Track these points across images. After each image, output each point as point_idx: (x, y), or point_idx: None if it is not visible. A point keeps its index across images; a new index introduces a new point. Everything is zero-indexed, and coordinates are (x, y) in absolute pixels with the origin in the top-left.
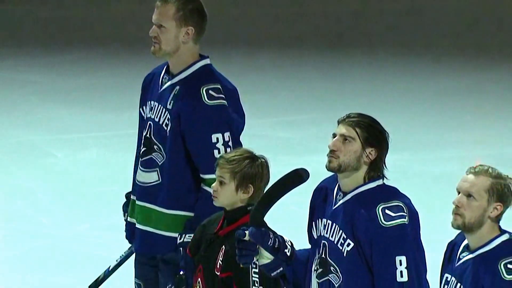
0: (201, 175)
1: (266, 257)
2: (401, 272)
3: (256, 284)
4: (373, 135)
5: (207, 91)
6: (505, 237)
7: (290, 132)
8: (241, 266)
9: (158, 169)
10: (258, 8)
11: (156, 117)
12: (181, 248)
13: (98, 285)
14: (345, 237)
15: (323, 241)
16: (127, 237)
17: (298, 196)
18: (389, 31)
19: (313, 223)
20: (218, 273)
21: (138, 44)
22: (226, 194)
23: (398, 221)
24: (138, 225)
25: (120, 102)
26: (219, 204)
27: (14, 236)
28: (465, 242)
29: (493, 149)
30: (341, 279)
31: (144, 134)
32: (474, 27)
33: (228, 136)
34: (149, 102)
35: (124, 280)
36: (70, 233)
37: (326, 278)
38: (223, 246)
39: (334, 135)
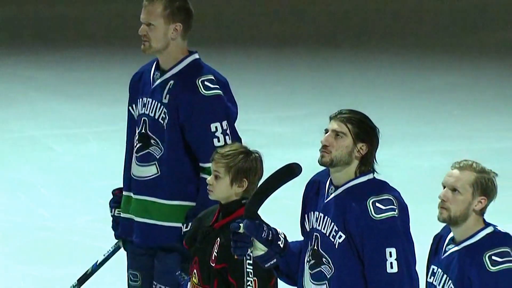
0: (201, 164)
1: (260, 249)
2: (391, 263)
3: (250, 275)
4: (364, 130)
5: (202, 82)
6: (489, 229)
7: (283, 127)
8: (235, 257)
9: (156, 162)
10: (253, 7)
11: (151, 112)
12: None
13: (86, 279)
14: (336, 229)
15: (315, 233)
16: (115, 233)
17: (291, 189)
18: (378, 30)
19: (306, 216)
20: (213, 265)
21: (137, 41)
22: (221, 188)
23: (388, 214)
24: (137, 219)
25: (120, 97)
26: (214, 197)
27: (16, 229)
28: (451, 234)
29: (479, 143)
30: (333, 270)
31: (138, 130)
32: (462, 25)
33: (226, 125)
34: (141, 99)
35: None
36: (70, 225)
37: (318, 269)
38: (218, 238)
39: (326, 131)
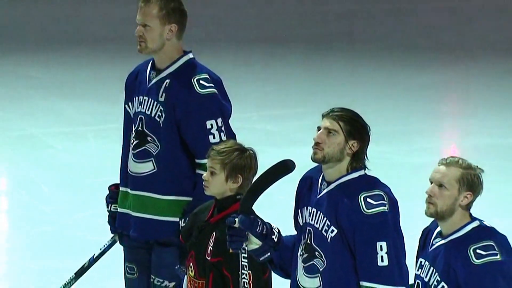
0: (198, 161)
1: (254, 243)
2: (381, 257)
3: (245, 269)
4: (355, 128)
5: (198, 81)
6: (475, 224)
7: (277, 125)
8: (231, 251)
9: (153, 158)
10: (247, 9)
11: (148, 110)
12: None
13: (83, 272)
14: (329, 224)
15: (308, 228)
16: (111, 227)
17: (284, 185)
18: (369, 31)
19: (299, 211)
20: (209, 258)
21: (133, 41)
22: (216, 184)
23: (379, 209)
24: (134, 214)
25: (118, 96)
26: (210, 193)
27: (18, 224)
28: (438, 229)
29: (467, 141)
30: (325, 263)
31: (135, 128)
32: (449, 24)
33: (221, 122)
34: (137, 97)
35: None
36: (70, 220)
37: (311, 262)
38: (214, 233)
39: (319, 128)
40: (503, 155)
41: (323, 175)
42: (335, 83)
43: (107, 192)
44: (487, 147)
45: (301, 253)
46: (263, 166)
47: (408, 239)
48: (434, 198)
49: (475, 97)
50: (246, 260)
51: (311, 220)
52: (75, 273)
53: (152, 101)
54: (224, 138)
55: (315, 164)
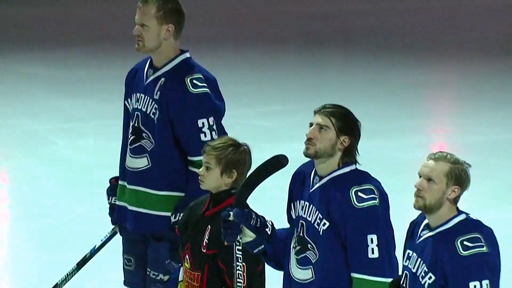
0: (190, 158)
1: (249, 236)
2: (372, 249)
3: (240, 261)
4: (346, 124)
5: (191, 80)
6: (462, 217)
7: (270, 121)
8: (225, 244)
9: (147, 154)
10: (245, 8)
11: (144, 107)
12: (176, 226)
13: (85, 263)
14: (321, 217)
15: (301, 221)
16: (112, 219)
17: (278, 180)
18: (361, 30)
19: (292, 204)
20: (204, 251)
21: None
22: (212, 178)
23: (370, 202)
24: (130, 207)
25: (115, 93)
26: (205, 187)
27: (19, 217)
28: (426, 221)
29: (456, 137)
30: (317, 256)
31: (132, 124)
32: (440, 25)
33: (212, 121)
34: (135, 94)
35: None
36: (70, 214)
37: (304, 254)
38: (209, 226)
39: (311, 124)
40: (490, 151)
41: (315, 170)
42: (328, 80)
43: (107, 186)
44: (473, 144)
45: (294, 246)
46: (257, 161)
47: (398, 232)
48: (423, 192)
49: (464, 96)
50: (241, 253)
51: (304, 214)
52: (76, 264)
53: (148, 98)
54: (215, 136)
55: (308, 159)
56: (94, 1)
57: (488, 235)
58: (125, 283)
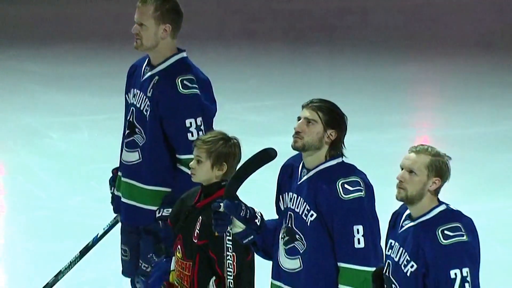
0: (177, 156)
1: (238, 226)
2: (358, 239)
3: (230, 250)
4: (333, 118)
5: (182, 81)
6: (442, 207)
7: (259, 115)
8: (216, 234)
9: (139, 149)
10: (231, 5)
11: (138, 103)
12: (159, 221)
13: (87, 251)
14: (309, 208)
15: (289, 212)
16: (114, 208)
17: (267, 172)
18: (346, 27)
19: (281, 196)
20: (196, 241)
21: (124, 38)
22: (203, 171)
23: (356, 194)
24: (123, 199)
25: (108, 89)
26: (196, 180)
27: (16, 208)
28: (408, 212)
29: (439, 131)
30: (305, 246)
31: (128, 118)
32: (423, 22)
33: (200, 121)
34: (133, 89)
35: (111, 245)
36: (65, 205)
37: (292, 245)
38: (200, 217)
39: (299, 118)
40: (471, 145)
41: (303, 163)
42: (315, 76)
43: (100, 178)
44: (456, 137)
45: (283, 236)
46: (246, 154)
47: (383, 223)
48: (405, 183)
49: (447, 91)
50: (231, 243)
51: (292, 205)
52: (79, 252)
53: (142, 95)
54: None
55: (296, 152)
56: (90, 1)
57: (468, 224)
58: (122, 272)
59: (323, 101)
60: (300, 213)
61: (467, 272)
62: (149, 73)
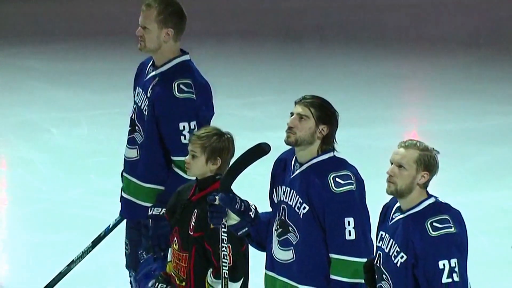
0: (171, 156)
1: (233, 219)
2: (349, 231)
3: (225, 242)
4: (325, 114)
5: (178, 85)
6: (431, 200)
7: (253, 111)
8: (211, 226)
9: (137, 147)
10: (226, 3)
11: (139, 102)
12: (150, 220)
13: (100, 241)
14: (301, 201)
15: (282, 205)
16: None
17: (260, 166)
18: (337, 24)
19: (274, 189)
20: (192, 233)
21: (123, 36)
22: (197, 165)
23: (347, 187)
24: (123, 194)
25: (108, 85)
26: (191, 174)
27: (17, 201)
28: (397, 204)
29: (427, 126)
30: (298, 237)
31: (131, 115)
32: (410, 20)
33: (194, 125)
34: (137, 88)
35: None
36: (65, 197)
37: (285, 236)
38: (196, 210)
39: (292, 114)
40: (459, 139)
41: (295, 157)
42: (307, 72)
43: (98, 171)
44: (444, 132)
45: (276, 228)
46: (240, 149)
47: (374, 215)
48: (394, 178)
49: (435, 86)
50: (226, 235)
51: (285, 198)
52: (92, 242)
53: (144, 94)
54: None
55: (289, 147)
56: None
57: (456, 216)
58: (126, 265)
59: (315, 98)
60: (292, 205)
61: (455, 262)
62: (151, 74)
